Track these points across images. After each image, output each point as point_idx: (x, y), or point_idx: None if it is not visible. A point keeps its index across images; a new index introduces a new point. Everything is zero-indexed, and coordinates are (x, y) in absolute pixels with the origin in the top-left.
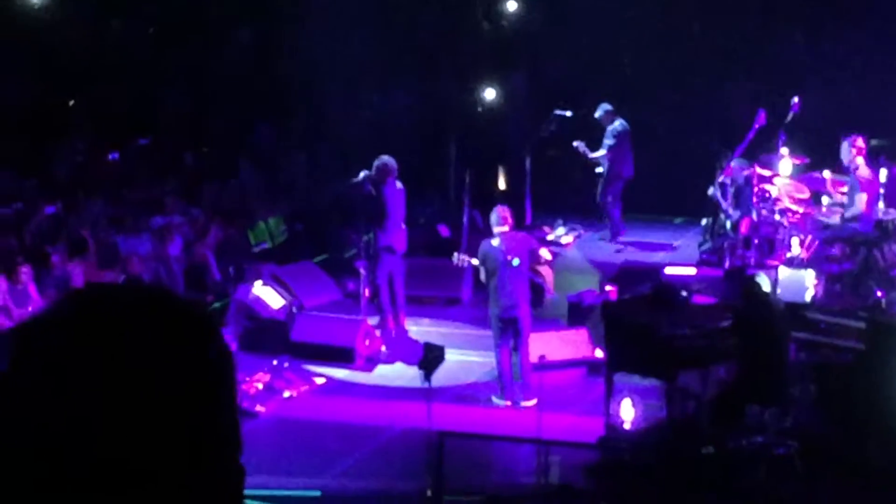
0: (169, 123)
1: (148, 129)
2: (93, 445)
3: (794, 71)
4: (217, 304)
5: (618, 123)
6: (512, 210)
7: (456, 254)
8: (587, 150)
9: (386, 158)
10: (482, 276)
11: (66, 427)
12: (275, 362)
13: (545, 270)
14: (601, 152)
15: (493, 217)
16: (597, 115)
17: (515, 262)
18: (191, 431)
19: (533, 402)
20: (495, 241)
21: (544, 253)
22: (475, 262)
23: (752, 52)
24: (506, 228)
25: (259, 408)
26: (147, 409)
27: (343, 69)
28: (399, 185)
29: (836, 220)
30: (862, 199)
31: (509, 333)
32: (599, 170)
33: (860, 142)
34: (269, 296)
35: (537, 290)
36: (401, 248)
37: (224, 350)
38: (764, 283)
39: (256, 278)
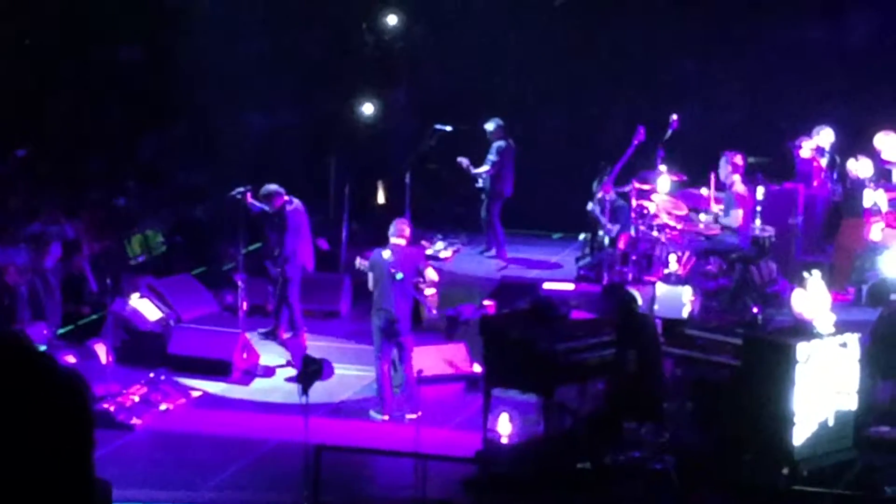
0: (51, 135)
1: (28, 141)
2: None
3: (676, 91)
4: (94, 316)
5: (503, 142)
6: (411, 225)
7: (358, 259)
8: (471, 166)
9: (272, 187)
10: (370, 284)
11: None
12: (151, 375)
13: (430, 290)
14: (484, 168)
15: (391, 228)
16: (488, 127)
17: (399, 276)
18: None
19: (417, 414)
20: (385, 253)
21: (431, 273)
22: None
23: (635, 71)
24: (401, 242)
25: (135, 420)
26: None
27: (226, 82)
28: (296, 202)
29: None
30: (738, 214)
31: (391, 346)
32: (479, 184)
33: (738, 159)
34: (146, 308)
35: (417, 309)
36: (309, 265)
37: (86, 413)
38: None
39: (133, 290)
